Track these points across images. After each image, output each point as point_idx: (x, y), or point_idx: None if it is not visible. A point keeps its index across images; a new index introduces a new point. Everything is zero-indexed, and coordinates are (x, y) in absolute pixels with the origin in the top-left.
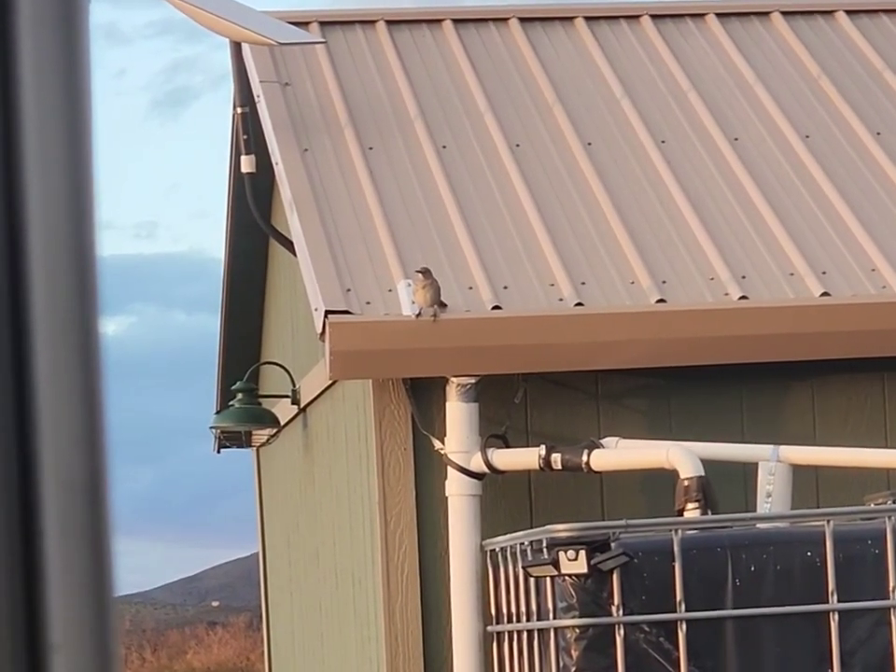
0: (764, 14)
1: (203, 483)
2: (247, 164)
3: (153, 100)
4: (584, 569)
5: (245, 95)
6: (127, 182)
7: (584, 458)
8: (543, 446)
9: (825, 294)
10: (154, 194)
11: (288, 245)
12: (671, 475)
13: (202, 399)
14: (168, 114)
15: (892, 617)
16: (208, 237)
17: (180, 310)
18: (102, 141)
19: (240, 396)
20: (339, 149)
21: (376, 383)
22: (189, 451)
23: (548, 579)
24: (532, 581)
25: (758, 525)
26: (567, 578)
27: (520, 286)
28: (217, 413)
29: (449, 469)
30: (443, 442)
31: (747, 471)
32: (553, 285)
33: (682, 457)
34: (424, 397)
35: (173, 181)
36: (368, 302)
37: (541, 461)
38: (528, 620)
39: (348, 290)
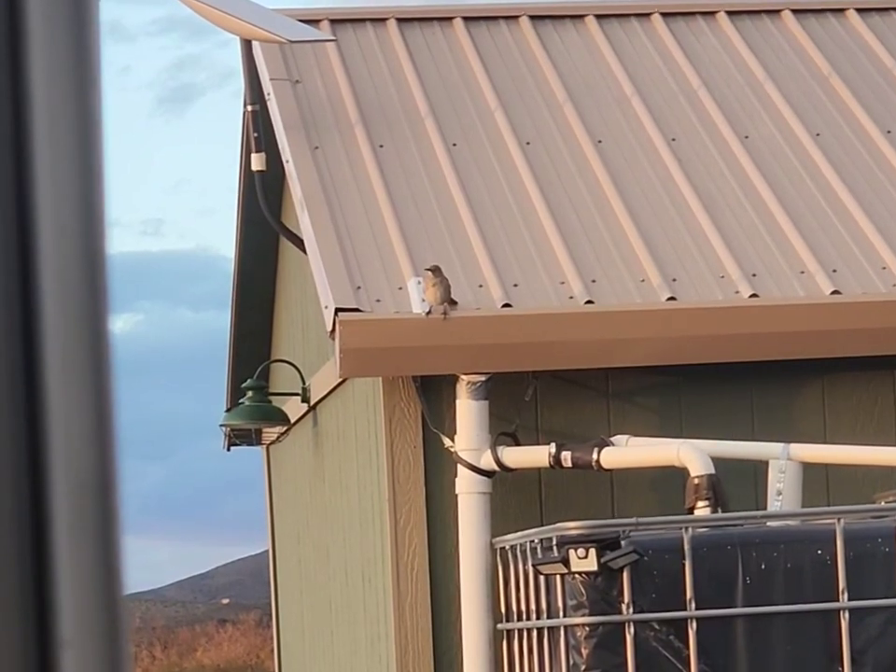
0: (775, 12)
1: (212, 480)
2: (258, 162)
3: (158, 97)
4: (594, 567)
5: (255, 93)
6: (132, 179)
7: (594, 456)
8: (553, 444)
9: (836, 292)
10: (160, 191)
11: (299, 242)
12: (681, 473)
13: (209, 397)
14: (173, 111)
15: None
16: (215, 234)
17: (187, 307)
18: (107, 138)
19: (250, 393)
20: (349, 147)
21: (386, 380)
22: (197, 448)
23: (558, 577)
24: (542, 578)
25: (768, 524)
26: (577, 576)
27: (530, 283)
28: (228, 410)
29: (459, 466)
30: (453, 440)
31: (757, 469)
32: (563, 282)
33: (693, 455)
34: (434, 394)
35: (178, 178)
36: (378, 300)
37: (551, 459)
38: (538, 618)
39: (358, 288)
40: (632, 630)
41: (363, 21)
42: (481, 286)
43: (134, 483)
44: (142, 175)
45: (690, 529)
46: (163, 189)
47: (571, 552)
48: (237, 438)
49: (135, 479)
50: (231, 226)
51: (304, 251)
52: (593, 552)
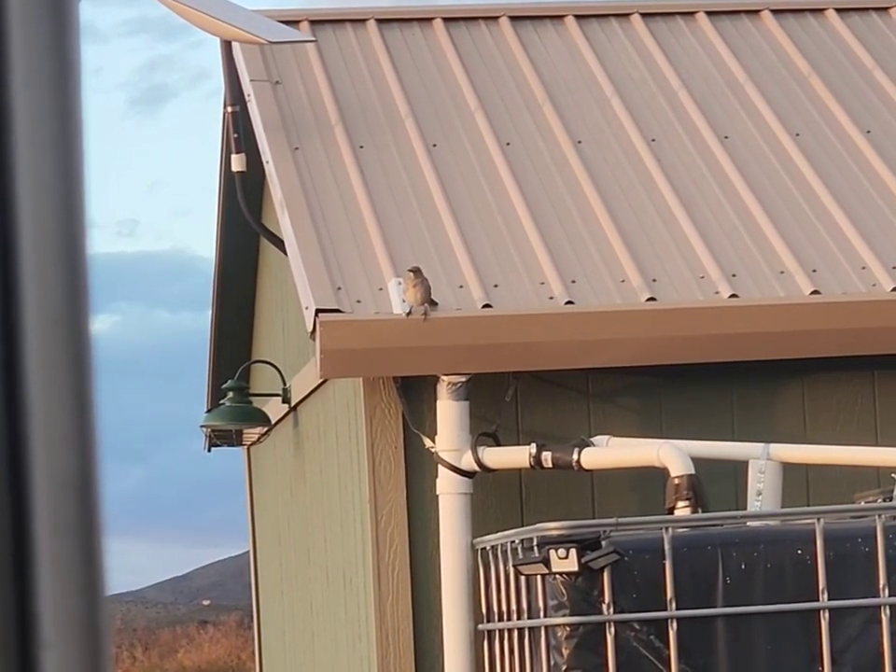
0: (755, 12)
1: (193, 481)
2: (238, 163)
3: (130, 98)
4: (575, 567)
5: (235, 94)
6: (107, 180)
7: (575, 457)
8: (534, 444)
9: (815, 292)
10: (134, 192)
11: (279, 243)
12: (662, 473)
13: (188, 398)
14: (146, 112)
15: (883, 615)
16: (191, 235)
17: (164, 308)
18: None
19: (230, 394)
20: (329, 148)
21: (367, 381)
22: (177, 450)
23: (539, 577)
24: (523, 579)
25: (748, 524)
26: (557, 576)
27: (510, 284)
28: (208, 411)
29: (440, 467)
30: (434, 441)
31: (737, 469)
32: (543, 283)
33: (673, 455)
34: (414, 395)
35: (153, 179)
36: (358, 301)
37: (532, 459)
38: (519, 618)
39: (339, 289)
40: (613, 630)
41: (343, 21)
42: (461, 286)
43: (114, 485)
44: (116, 177)
45: (670, 529)
46: (138, 191)
47: (552, 552)
48: (218, 439)
49: (115, 481)
50: (207, 226)
51: (284, 252)
52: (573, 552)
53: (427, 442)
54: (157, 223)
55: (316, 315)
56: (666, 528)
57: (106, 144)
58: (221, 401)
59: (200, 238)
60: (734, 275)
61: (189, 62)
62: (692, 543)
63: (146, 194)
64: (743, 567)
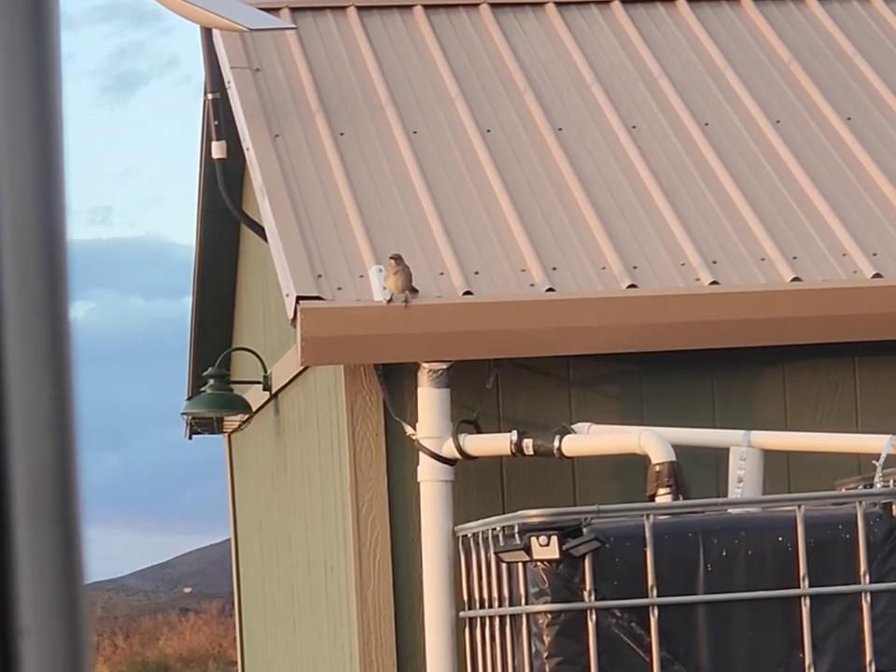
0: None
1: (171, 469)
2: (218, 150)
3: (101, 85)
4: (556, 555)
5: (215, 81)
6: (80, 167)
7: (556, 444)
8: (515, 432)
9: (796, 279)
10: (107, 179)
11: (260, 230)
12: (643, 460)
13: (164, 385)
14: (117, 99)
15: (863, 602)
16: (164, 222)
17: (139, 295)
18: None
19: (211, 382)
20: (310, 135)
21: (348, 368)
22: (154, 437)
23: (520, 564)
24: (504, 566)
25: (729, 511)
26: (538, 563)
27: (491, 271)
28: (189, 399)
29: (421, 454)
30: (415, 428)
31: (718, 457)
32: (524, 270)
33: (654, 443)
34: (395, 382)
35: (125, 166)
36: (339, 288)
37: (513, 447)
38: (500, 605)
39: (319, 276)
40: (594, 617)
41: (323, 9)
42: (442, 273)
43: (92, 473)
44: (89, 164)
45: (651, 517)
46: (111, 178)
47: (533, 539)
48: (199, 426)
49: (92, 468)
50: (181, 213)
51: (265, 239)
52: (554, 539)
53: (408, 430)
54: (130, 210)
55: (297, 302)
56: (648, 515)
57: (78, 131)
58: (202, 389)
59: (173, 225)
60: (714, 262)
61: (160, 48)
62: (673, 530)
63: (118, 181)
64: (724, 553)
